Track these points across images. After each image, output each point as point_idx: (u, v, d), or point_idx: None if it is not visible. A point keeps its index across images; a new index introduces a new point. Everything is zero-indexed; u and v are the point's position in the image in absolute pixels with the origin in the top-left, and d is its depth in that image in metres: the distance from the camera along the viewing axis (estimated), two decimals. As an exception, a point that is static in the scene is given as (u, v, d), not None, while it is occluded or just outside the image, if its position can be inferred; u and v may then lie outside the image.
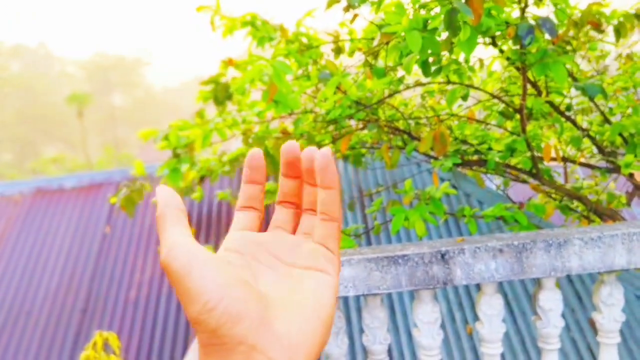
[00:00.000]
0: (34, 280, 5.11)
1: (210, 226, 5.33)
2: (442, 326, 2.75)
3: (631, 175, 2.99)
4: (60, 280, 5.14)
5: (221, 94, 2.85)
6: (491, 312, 2.09)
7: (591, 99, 3.29)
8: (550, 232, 2.12)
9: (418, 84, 2.88)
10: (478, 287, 2.13)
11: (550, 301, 2.06)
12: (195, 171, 4.00)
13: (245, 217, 0.46)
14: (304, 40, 3.08)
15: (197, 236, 5.18)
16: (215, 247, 4.66)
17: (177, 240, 0.37)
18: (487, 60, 3.84)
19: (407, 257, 2.01)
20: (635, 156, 3.10)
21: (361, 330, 2.22)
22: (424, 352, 2.14)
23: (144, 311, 4.69)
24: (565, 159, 3.56)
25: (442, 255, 2.02)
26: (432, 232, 4.66)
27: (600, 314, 2.10)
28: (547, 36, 2.50)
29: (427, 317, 2.10)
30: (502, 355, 2.22)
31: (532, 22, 2.06)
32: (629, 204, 3.40)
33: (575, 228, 2.11)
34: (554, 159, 3.88)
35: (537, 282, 2.09)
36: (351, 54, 3.35)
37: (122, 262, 5.17)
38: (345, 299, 3.78)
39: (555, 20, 2.92)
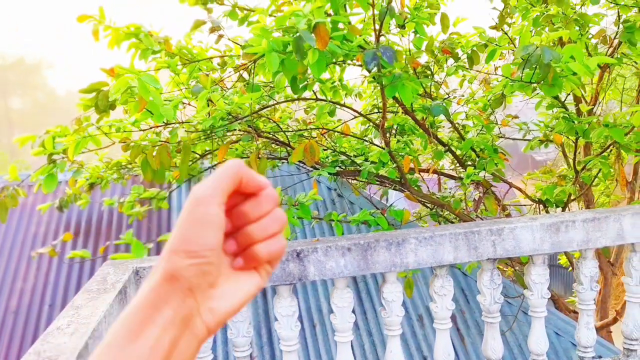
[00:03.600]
0: None
1: (98, 233, 5.27)
2: (300, 318, 2.99)
3: (478, 184, 3.41)
4: None
5: (102, 102, 2.92)
6: (342, 304, 2.36)
7: (447, 117, 3.72)
8: (392, 232, 2.42)
9: (288, 99, 3.13)
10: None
11: (392, 293, 2.36)
12: (84, 179, 4.00)
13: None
14: (187, 53, 3.22)
15: (85, 242, 5.10)
16: (94, 255, 4.63)
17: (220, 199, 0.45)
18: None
19: (265, 255, 2.22)
20: (484, 169, 3.55)
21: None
22: (284, 342, 2.35)
23: (25, 319, 4.54)
24: (423, 170, 3.96)
25: (298, 254, 2.26)
26: (308, 236, 4.94)
27: (435, 303, 2.43)
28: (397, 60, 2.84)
29: (285, 311, 2.32)
30: (351, 343, 2.50)
31: (377, 49, 2.35)
32: (476, 209, 3.86)
33: (413, 229, 2.43)
34: (422, 170, 4.31)
35: (382, 277, 2.39)
36: (236, 68, 3.55)
37: (3, 270, 4.97)
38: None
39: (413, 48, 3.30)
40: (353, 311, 2.42)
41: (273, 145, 3.79)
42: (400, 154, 3.72)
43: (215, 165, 3.92)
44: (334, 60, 2.53)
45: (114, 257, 2.21)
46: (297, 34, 1.98)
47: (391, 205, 3.68)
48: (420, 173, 4.08)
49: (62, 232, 5.05)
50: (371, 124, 3.93)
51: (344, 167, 3.89)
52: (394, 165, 3.52)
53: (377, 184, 4.12)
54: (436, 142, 3.86)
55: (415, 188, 3.99)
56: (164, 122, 2.72)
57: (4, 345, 4.35)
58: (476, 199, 3.60)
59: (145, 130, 2.92)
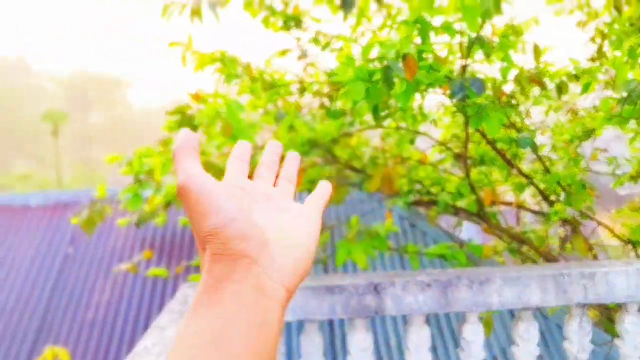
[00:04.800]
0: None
1: (172, 250, 5.41)
2: (377, 353, 2.90)
3: (564, 222, 3.22)
4: (18, 298, 5.13)
5: (186, 125, 3.01)
6: (419, 342, 2.25)
7: (533, 150, 3.55)
8: (474, 270, 2.31)
9: (368, 127, 3.10)
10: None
11: (473, 334, 2.23)
12: (161, 197, 4.14)
13: (241, 166, 0.55)
14: (268, 79, 3.28)
15: (158, 260, 5.26)
16: (169, 271, 4.75)
17: (193, 169, 0.45)
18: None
19: (342, 287, 2.17)
20: (572, 205, 3.35)
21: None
22: (357, 378, 2.27)
23: (99, 332, 4.71)
24: (505, 203, 3.79)
25: (375, 287, 2.19)
26: (379, 267, 4.84)
27: (517, 347, 2.28)
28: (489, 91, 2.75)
29: (360, 345, 2.25)
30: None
31: (465, 79, 2.28)
32: (561, 248, 3.63)
33: (497, 267, 2.30)
34: (504, 203, 4.12)
35: (462, 316, 2.27)
36: (315, 94, 3.57)
37: (82, 282, 5.20)
38: (288, 325, 3.90)
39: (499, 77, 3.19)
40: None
41: (347, 172, 3.77)
42: (479, 185, 3.58)
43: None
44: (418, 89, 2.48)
45: (192, 278, 2.23)
46: (386, 64, 1.94)
47: (470, 239, 3.53)
48: (499, 205, 3.91)
49: (138, 248, 5.24)
50: (450, 153, 3.82)
51: (419, 197, 3.80)
52: (473, 196, 3.39)
53: (453, 216, 3.99)
54: (518, 174, 3.69)
55: (494, 221, 3.83)
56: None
57: (80, 355, 4.53)
58: (562, 236, 3.38)
59: (226, 153, 2.97)
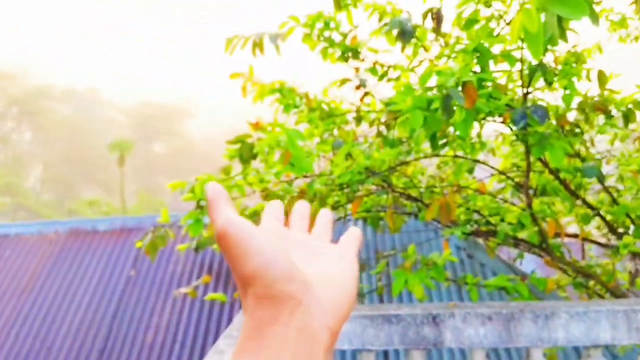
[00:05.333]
0: (58, 317, 5.33)
1: (230, 276, 5.51)
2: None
3: (635, 256, 3.05)
4: (83, 319, 5.35)
5: (246, 153, 3.10)
6: (480, 377, 2.17)
7: (599, 180, 3.41)
8: (539, 303, 2.22)
9: (426, 155, 3.08)
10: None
11: (537, 371, 2.14)
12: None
13: (275, 215, 0.57)
14: (326, 108, 3.34)
15: (215, 285, 5.36)
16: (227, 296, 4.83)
17: (231, 214, 0.45)
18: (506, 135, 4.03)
19: (400, 316, 2.14)
20: (642, 237, 3.17)
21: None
22: (413, 412, 2.21)
23: (158, 355, 4.82)
24: (570, 235, 3.64)
25: (434, 318, 2.14)
26: (436, 298, 4.72)
27: (587, 388, 2.15)
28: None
29: (417, 377, 2.19)
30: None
31: (527, 107, 2.24)
32: (631, 283, 3.43)
33: (563, 301, 2.21)
34: (568, 235, 3.96)
35: (526, 352, 2.18)
36: (371, 123, 3.60)
37: (142, 304, 5.36)
38: (342, 353, 3.86)
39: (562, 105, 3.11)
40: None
41: (403, 200, 3.74)
42: (541, 216, 3.47)
43: (344, 217, 3.95)
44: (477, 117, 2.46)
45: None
46: (445, 92, 1.95)
47: (533, 272, 3.41)
48: (563, 237, 3.76)
49: (196, 272, 5.36)
50: (510, 182, 3.73)
51: (477, 227, 3.71)
52: (536, 228, 3.28)
53: (513, 247, 3.86)
54: (584, 205, 3.55)
55: (558, 254, 3.68)
56: (303, 175, 2.80)
57: (139, 375, 4.64)
58: (631, 270, 3.21)
59: (284, 181, 3.03)
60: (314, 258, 0.50)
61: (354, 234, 0.57)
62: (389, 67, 3.19)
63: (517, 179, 3.82)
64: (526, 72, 2.46)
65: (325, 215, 0.60)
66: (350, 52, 3.23)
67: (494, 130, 4.04)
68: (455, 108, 2.05)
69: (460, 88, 1.99)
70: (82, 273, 5.83)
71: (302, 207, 0.61)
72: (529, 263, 4.64)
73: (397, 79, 3.21)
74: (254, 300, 0.43)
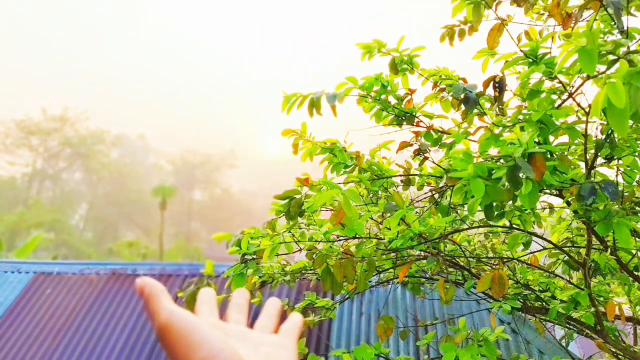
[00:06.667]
0: (92, 358, 5.30)
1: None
2: None
3: None
4: (118, 358, 5.30)
5: (294, 209, 3.08)
6: None
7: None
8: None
9: (480, 224, 2.99)
10: None
11: None
12: (258, 277, 4.19)
13: (210, 309, 0.59)
14: (375, 168, 3.32)
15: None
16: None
17: (172, 306, 0.49)
18: (557, 207, 3.90)
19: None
20: None
21: None
22: None
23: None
24: (630, 319, 3.42)
25: (487, 401, 2.00)
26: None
27: None
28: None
29: None
30: None
31: (596, 183, 2.16)
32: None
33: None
34: (629, 319, 3.72)
35: None
36: (420, 187, 3.54)
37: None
38: None
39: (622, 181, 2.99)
40: None
41: (448, 268, 3.61)
42: (596, 296, 3.28)
43: (387, 281, 3.84)
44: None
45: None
46: (512, 162, 1.89)
47: (590, 356, 3.19)
48: (623, 322, 3.53)
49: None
50: (564, 258, 3.57)
51: (527, 302, 3.53)
52: (591, 308, 3.10)
53: (567, 327, 3.64)
54: (643, 288, 3.34)
55: (613, 338, 3.45)
56: (353, 236, 2.75)
57: None
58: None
59: (333, 241, 2.98)
60: (254, 349, 0.52)
61: (295, 322, 0.60)
62: (443, 132, 3.17)
63: (571, 255, 3.66)
64: (591, 146, 2.38)
65: (273, 306, 0.63)
66: (405, 116, 3.23)
67: (540, 201, 3.91)
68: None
69: (526, 159, 1.94)
70: (119, 315, 5.83)
71: (239, 300, 0.62)
72: (580, 345, 4.37)
73: (451, 145, 3.17)
74: None
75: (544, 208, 3.95)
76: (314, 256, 2.91)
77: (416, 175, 3.47)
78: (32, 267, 6.79)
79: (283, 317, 0.65)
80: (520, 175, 1.94)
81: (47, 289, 6.24)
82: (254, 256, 3.01)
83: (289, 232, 2.98)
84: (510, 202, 2.69)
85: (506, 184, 2.22)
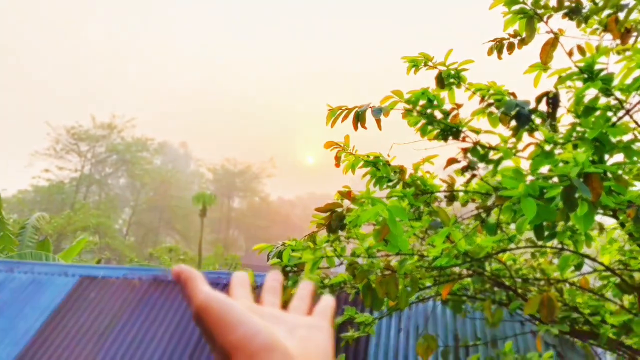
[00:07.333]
0: (132, 363, 5.39)
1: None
2: None
3: None
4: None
5: (335, 223, 3.05)
6: None
7: None
8: None
9: (530, 244, 2.89)
10: None
11: None
12: (296, 289, 4.18)
13: (244, 291, 0.58)
14: (419, 183, 3.26)
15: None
16: None
17: (209, 289, 0.49)
18: (608, 227, 3.75)
19: None
20: None
21: None
22: None
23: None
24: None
25: None
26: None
27: None
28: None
29: None
30: None
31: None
32: None
33: None
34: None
35: None
36: (464, 203, 3.46)
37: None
38: None
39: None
40: None
41: (493, 288, 3.51)
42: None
43: (429, 297, 3.76)
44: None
45: None
46: (568, 182, 1.82)
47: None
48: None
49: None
50: (616, 281, 3.41)
51: (576, 326, 3.39)
52: (647, 336, 2.94)
53: (618, 354, 3.47)
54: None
55: (670, 368, 3.26)
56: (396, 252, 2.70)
57: None
58: None
59: (375, 256, 2.94)
60: (290, 332, 0.52)
61: (327, 303, 0.60)
62: (490, 147, 3.09)
63: (624, 278, 3.49)
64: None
65: (305, 289, 0.64)
66: (451, 130, 3.17)
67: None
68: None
69: (581, 179, 1.86)
70: (160, 320, 5.92)
71: (273, 283, 0.63)
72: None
73: (498, 161, 3.09)
74: None
75: (594, 228, 3.80)
76: (354, 271, 2.87)
77: (461, 191, 3.39)
78: (78, 270, 7.00)
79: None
80: (576, 195, 1.86)
81: (91, 292, 6.40)
82: (295, 268, 2.99)
83: (330, 245, 2.95)
84: (562, 222, 2.59)
85: (559, 204, 2.13)
